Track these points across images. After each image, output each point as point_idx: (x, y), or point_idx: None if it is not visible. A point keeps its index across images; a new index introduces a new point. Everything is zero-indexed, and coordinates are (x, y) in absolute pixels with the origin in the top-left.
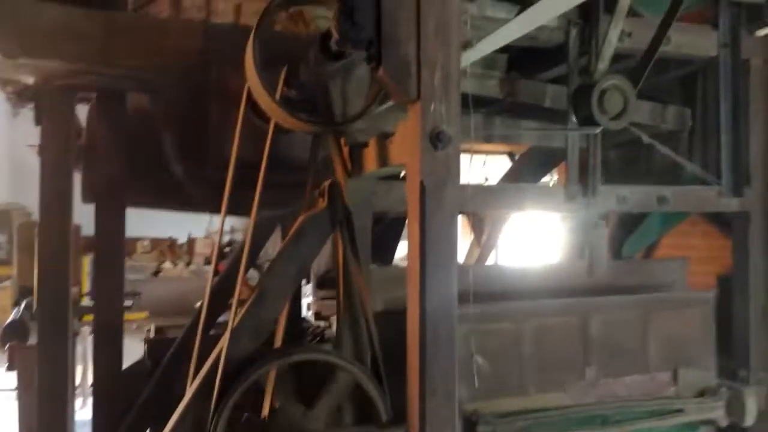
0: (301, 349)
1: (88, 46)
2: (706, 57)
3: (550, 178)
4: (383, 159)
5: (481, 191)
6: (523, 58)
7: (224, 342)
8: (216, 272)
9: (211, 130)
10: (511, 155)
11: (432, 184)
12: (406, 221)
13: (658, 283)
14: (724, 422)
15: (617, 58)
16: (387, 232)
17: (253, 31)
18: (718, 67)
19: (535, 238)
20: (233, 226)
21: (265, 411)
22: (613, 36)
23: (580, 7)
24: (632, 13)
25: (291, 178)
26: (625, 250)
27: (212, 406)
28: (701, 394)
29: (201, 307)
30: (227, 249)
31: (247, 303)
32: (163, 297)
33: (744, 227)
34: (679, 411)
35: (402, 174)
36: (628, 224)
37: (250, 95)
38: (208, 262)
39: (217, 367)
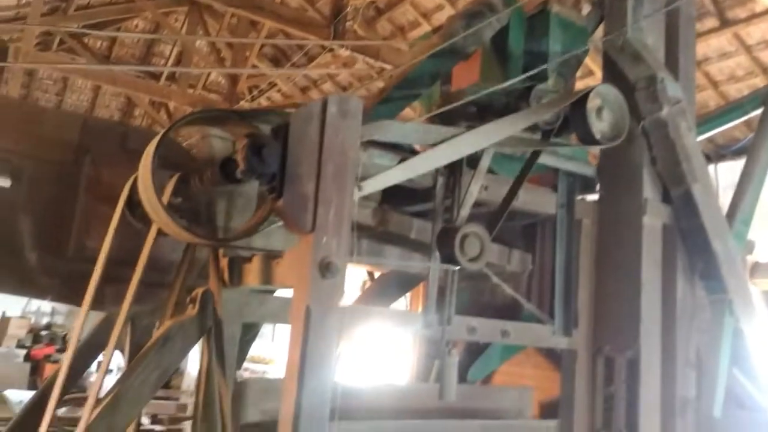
0: None
1: None
2: (546, 214)
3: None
4: (267, 277)
5: (355, 313)
6: (395, 193)
7: None
8: (32, 357)
9: (75, 222)
10: (370, 273)
11: (317, 309)
12: None
13: (504, 410)
14: None
15: (474, 204)
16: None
17: (156, 140)
18: (555, 223)
19: (383, 358)
20: (54, 308)
21: None
22: (475, 189)
23: None
24: (489, 170)
25: (151, 277)
26: (470, 375)
27: None
28: None
29: (37, 399)
30: (44, 332)
31: (101, 405)
32: None
33: (571, 363)
34: None
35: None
36: (474, 352)
37: (131, 195)
38: (21, 345)
39: None
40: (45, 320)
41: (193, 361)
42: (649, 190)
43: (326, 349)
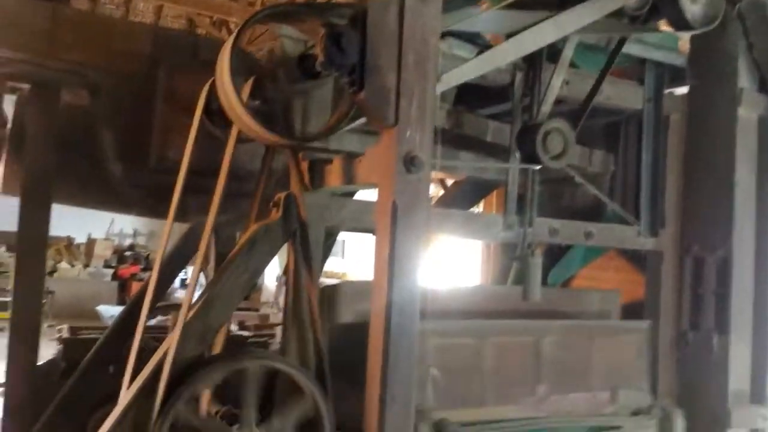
0: (252, 355)
1: (34, 36)
2: (632, 109)
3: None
4: (349, 177)
5: (436, 215)
6: (469, 94)
7: (170, 344)
8: (120, 276)
9: (154, 134)
10: (442, 182)
11: (404, 205)
12: None
13: (588, 312)
14: None
15: (554, 103)
16: None
17: (232, 40)
18: (641, 119)
19: (454, 262)
20: (136, 230)
21: (203, 415)
22: (557, 83)
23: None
24: (571, 64)
25: (230, 187)
26: (550, 279)
27: (156, 408)
28: (636, 413)
29: (129, 310)
30: (128, 253)
31: (195, 307)
32: (58, 299)
33: (657, 264)
34: (618, 428)
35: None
36: (553, 256)
37: (208, 102)
38: (107, 265)
39: (160, 370)
40: (128, 241)
41: (270, 276)
42: (745, 79)
43: (414, 245)
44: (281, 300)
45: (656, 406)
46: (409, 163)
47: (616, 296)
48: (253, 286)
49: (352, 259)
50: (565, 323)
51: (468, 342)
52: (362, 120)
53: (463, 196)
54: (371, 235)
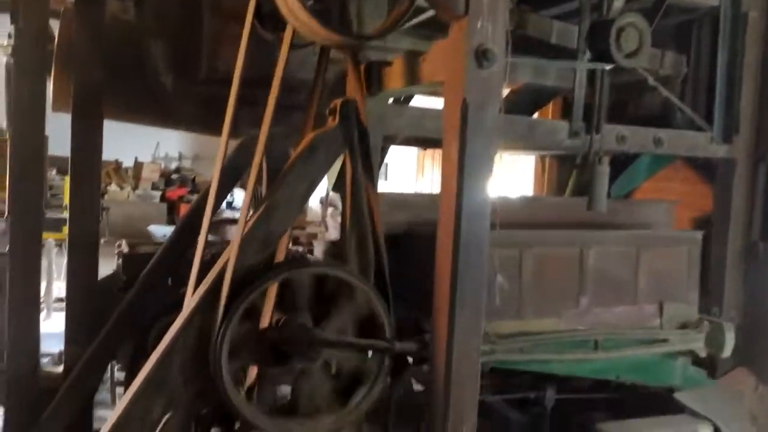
0: (313, 262)
1: None
2: (707, 6)
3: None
4: (412, 77)
5: None
6: None
7: (231, 252)
8: (168, 198)
9: (203, 43)
10: None
11: (475, 102)
12: None
13: (647, 222)
14: (703, 353)
15: None
16: None
17: None
18: (715, 18)
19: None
20: (181, 153)
21: (265, 323)
22: None
23: None
24: None
25: (281, 98)
26: (613, 191)
27: (220, 315)
28: (684, 326)
29: (183, 225)
30: (174, 176)
31: (256, 216)
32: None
33: (729, 173)
34: (664, 341)
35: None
36: (616, 167)
37: (258, 6)
38: (155, 187)
39: (221, 278)
40: (174, 165)
41: (314, 197)
42: None
43: (485, 146)
44: (327, 220)
45: (705, 319)
46: (481, 56)
47: (669, 206)
48: None
49: (395, 181)
50: (611, 233)
51: (508, 253)
52: (428, 14)
53: (520, 105)
54: (420, 150)
